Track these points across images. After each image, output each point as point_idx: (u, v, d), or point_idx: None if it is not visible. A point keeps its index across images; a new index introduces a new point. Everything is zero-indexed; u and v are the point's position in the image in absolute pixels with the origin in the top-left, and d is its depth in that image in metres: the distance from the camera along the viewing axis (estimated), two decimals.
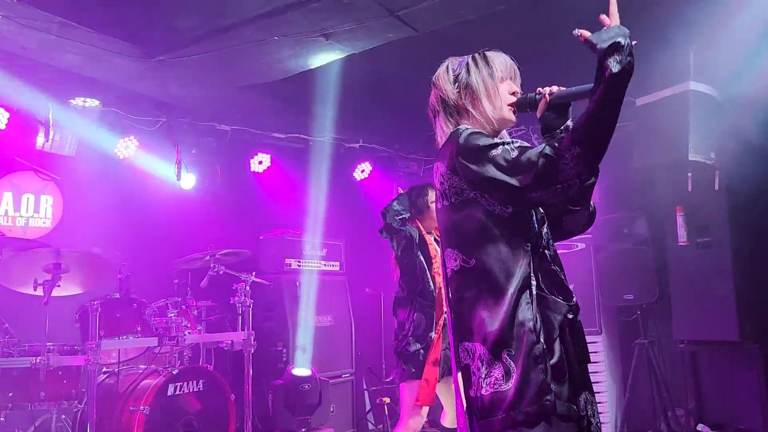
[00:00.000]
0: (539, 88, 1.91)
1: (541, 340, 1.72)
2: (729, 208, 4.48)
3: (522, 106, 1.94)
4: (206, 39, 4.20)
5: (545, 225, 1.93)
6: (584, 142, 1.63)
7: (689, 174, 4.51)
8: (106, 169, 5.38)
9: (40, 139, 4.87)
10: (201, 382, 4.25)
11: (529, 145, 1.76)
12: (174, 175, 5.50)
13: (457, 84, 1.99)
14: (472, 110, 1.95)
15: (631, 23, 4.49)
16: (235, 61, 4.53)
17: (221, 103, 5.46)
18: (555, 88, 1.88)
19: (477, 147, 1.78)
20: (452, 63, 2.05)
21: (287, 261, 5.75)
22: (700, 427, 4.76)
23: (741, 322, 4.35)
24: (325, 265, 6.12)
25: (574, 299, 1.84)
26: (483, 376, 1.73)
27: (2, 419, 3.71)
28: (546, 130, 1.93)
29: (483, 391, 1.72)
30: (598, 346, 5.19)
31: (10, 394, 3.65)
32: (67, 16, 3.87)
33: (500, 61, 1.99)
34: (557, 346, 1.75)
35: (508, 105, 1.95)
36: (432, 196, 3.64)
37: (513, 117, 1.96)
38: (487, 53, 2.01)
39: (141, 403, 3.89)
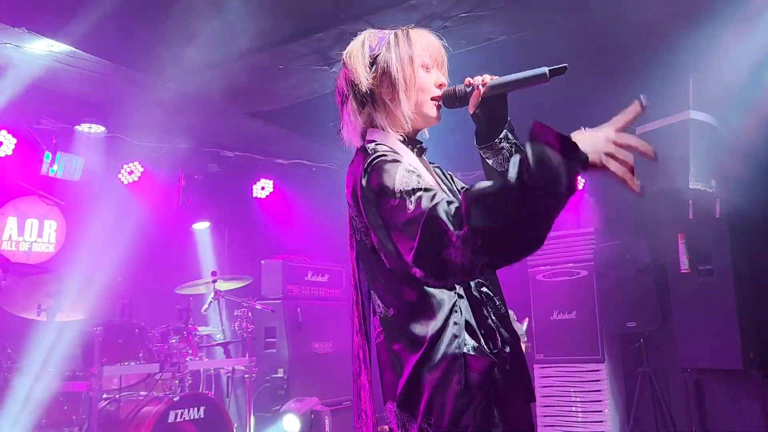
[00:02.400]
0: (468, 78, 1.56)
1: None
2: (730, 235, 4.48)
3: (449, 101, 1.58)
4: (211, 67, 4.26)
5: None
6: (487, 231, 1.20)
7: (690, 201, 4.52)
8: (110, 195, 5.41)
9: (45, 165, 4.92)
10: (202, 409, 4.21)
11: (433, 188, 1.35)
12: (177, 200, 5.53)
13: (374, 67, 1.57)
14: (389, 102, 1.56)
15: (631, 53, 4.56)
16: (240, 88, 4.59)
17: (225, 130, 5.52)
18: (488, 77, 1.53)
19: (379, 188, 1.39)
20: (370, 38, 1.62)
21: (289, 287, 5.75)
22: None
23: (744, 351, 4.33)
24: (327, 291, 6.12)
25: (507, 338, 1.50)
26: None
27: None
28: (481, 136, 1.61)
29: None
30: (600, 374, 5.16)
31: None
32: (75, 45, 3.93)
33: (425, 42, 1.60)
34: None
35: (432, 99, 1.59)
36: None
37: (436, 114, 1.60)
38: (411, 31, 1.60)
39: (142, 430, 3.86)
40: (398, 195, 1.33)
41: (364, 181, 1.41)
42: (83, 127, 5.08)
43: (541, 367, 5.44)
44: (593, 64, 4.26)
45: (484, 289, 1.51)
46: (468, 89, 1.55)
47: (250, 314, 4.79)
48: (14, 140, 4.69)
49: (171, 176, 5.66)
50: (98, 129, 5.14)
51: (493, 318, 1.49)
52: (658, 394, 4.94)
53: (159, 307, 5.00)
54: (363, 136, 1.59)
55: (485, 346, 1.43)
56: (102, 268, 4.82)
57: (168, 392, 4.25)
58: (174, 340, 4.29)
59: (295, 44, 3.95)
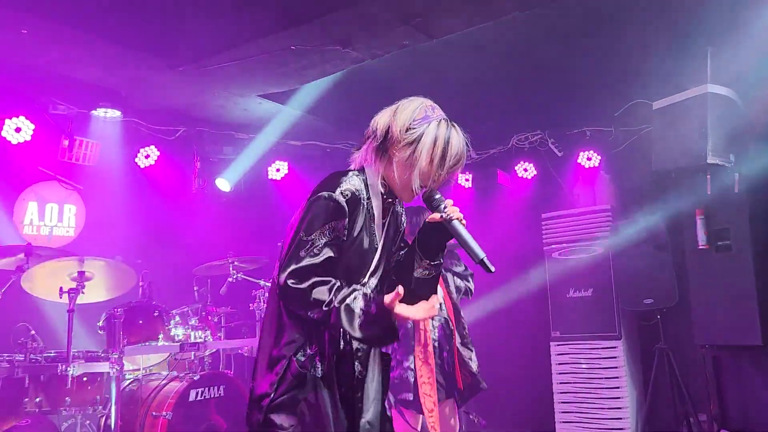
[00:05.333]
0: (451, 202, 1.91)
1: None
2: (749, 210, 4.43)
3: (427, 201, 1.94)
4: (226, 50, 4.26)
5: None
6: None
7: (708, 177, 4.47)
8: (127, 178, 5.47)
9: (63, 150, 4.97)
10: (222, 387, 4.29)
11: (319, 255, 1.84)
12: (193, 183, 5.58)
13: (407, 133, 1.87)
14: (396, 167, 1.90)
15: (648, 27, 4.49)
16: (254, 70, 4.59)
17: (239, 112, 5.53)
18: (458, 217, 1.88)
19: (309, 222, 1.91)
20: (421, 110, 1.91)
21: None
22: None
23: (764, 326, 4.30)
24: None
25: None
26: None
27: (29, 424, 3.77)
28: (418, 241, 1.97)
29: None
30: (617, 351, 5.15)
31: (38, 400, 3.71)
32: (91, 30, 3.95)
33: (456, 152, 1.87)
34: None
35: (420, 188, 1.91)
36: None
37: (410, 198, 1.97)
38: (452, 134, 1.87)
39: (164, 409, 3.95)
40: (316, 236, 1.89)
41: (312, 206, 1.95)
42: (99, 112, 5.12)
43: (558, 345, 5.45)
44: (611, 38, 4.21)
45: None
46: (441, 207, 1.89)
47: (266, 294, 4.83)
48: (32, 126, 4.74)
49: (186, 159, 5.71)
50: (114, 113, 5.17)
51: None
52: (675, 371, 4.93)
53: (178, 288, 5.07)
54: (362, 162, 1.98)
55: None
56: (121, 250, 4.89)
57: (188, 372, 4.33)
58: (193, 321, 4.36)
59: (308, 25, 3.94)
